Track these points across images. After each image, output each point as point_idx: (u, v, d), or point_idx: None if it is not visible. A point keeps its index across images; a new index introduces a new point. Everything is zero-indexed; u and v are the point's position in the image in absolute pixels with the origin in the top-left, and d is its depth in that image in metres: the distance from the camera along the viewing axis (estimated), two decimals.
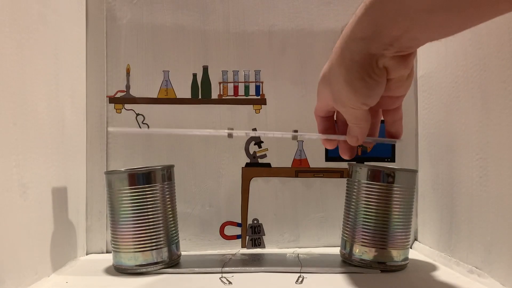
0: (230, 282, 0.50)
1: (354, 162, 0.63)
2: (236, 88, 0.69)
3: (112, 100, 0.67)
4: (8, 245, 0.45)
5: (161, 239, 0.55)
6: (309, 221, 0.69)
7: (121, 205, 0.54)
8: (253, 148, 0.69)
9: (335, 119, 0.51)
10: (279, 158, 0.68)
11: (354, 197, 0.56)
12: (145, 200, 0.54)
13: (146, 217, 0.54)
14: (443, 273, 0.54)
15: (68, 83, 0.60)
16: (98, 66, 0.67)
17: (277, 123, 0.69)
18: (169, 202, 0.56)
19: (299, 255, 0.62)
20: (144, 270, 0.54)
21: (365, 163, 0.68)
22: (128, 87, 0.67)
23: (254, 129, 0.68)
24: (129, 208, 0.54)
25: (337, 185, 0.68)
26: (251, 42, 0.68)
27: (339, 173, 0.69)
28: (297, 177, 0.69)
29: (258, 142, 0.69)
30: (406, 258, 0.55)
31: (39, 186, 0.51)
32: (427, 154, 0.66)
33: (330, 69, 0.43)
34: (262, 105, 0.69)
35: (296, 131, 0.55)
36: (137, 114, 0.67)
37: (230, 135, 0.56)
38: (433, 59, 0.64)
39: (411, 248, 0.67)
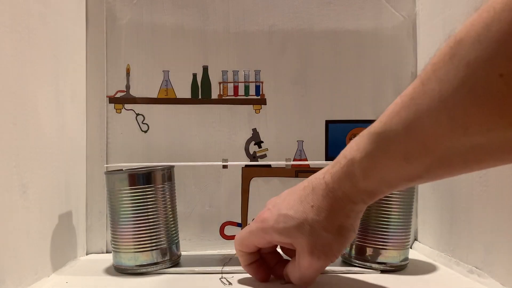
0: (230, 283, 0.50)
1: None
2: (236, 88, 0.69)
3: (112, 100, 0.67)
4: (8, 245, 0.45)
5: (161, 239, 0.55)
6: None
7: (121, 205, 0.54)
8: (253, 148, 0.69)
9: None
10: (279, 158, 0.68)
11: None
12: (145, 200, 0.54)
13: (146, 217, 0.54)
14: (443, 273, 0.54)
15: (68, 83, 0.60)
16: (98, 66, 0.66)
17: (277, 123, 0.69)
18: (169, 202, 0.56)
19: None
20: (144, 270, 0.54)
21: None
22: (128, 87, 0.67)
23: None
24: (129, 208, 0.54)
25: None
26: (251, 42, 0.68)
27: None
28: (297, 177, 0.69)
29: (258, 142, 0.69)
30: (406, 258, 0.55)
31: (39, 186, 0.51)
32: None
33: (316, 221, 0.41)
34: (262, 105, 0.69)
35: (289, 159, 0.57)
36: (137, 114, 0.67)
37: (225, 166, 0.58)
38: None
39: (411, 248, 0.67)
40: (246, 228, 0.47)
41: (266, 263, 0.50)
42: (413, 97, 0.32)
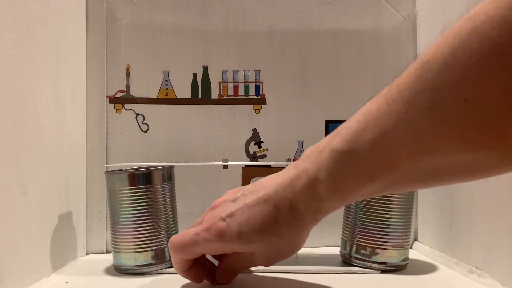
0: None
1: None
2: (236, 88, 0.69)
3: (112, 100, 0.67)
4: (8, 245, 0.45)
5: (161, 239, 0.55)
6: None
7: (121, 205, 0.54)
8: (253, 148, 0.69)
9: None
10: (279, 158, 0.68)
11: None
12: (145, 200, 0.54)
13: (146, 217, 0.54)
14: (443, 273, 0.54)
15: (68, 83, 0.60)
16: (98, 66, 0.66)
17: (277, 123, 0.69)
18: (169, 202, 0.56)
19: (299, 255, 0.62)
20: (144, 270, 0.54)
21: None
22: (128, 87, 0.67)
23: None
24: (129, 208, 0.54)
25: None
26: (251, 42, 0.68)
27: None
28: None
29: (258, 142, 0.69)
30: (406, 258, 0.55)
31: (39, 186, 0.51)
32: None
33: (279, 237, 0.41)
34: (262, 105, 0.69)
35: (289, 159, 0.59)
36: (137, 114, 0.67)
37: (225, 166, 0.59)
38: None
39: (411, 248, 0.67)
40: (188, 235, 0.44)
41: (199, 263, 0.47)
42: (378, 117, 0.32)
